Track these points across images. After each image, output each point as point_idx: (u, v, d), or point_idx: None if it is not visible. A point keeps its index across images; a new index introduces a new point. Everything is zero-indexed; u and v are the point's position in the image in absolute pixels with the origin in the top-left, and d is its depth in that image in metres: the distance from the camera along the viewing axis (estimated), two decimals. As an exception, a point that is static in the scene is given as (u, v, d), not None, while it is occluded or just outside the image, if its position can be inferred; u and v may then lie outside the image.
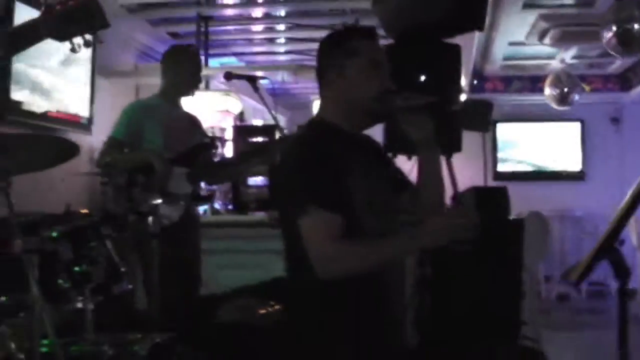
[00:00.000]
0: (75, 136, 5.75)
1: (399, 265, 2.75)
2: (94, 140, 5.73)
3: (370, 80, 2.55)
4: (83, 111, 6.05)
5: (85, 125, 6.08)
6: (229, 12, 7.54)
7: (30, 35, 1.81)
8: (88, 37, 2.00)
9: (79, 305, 3.04)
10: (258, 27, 8.12)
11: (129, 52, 7.15)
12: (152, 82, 5.31)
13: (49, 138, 3.13)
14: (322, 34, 2.91)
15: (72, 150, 2.77)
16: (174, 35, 7.81)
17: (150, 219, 3.62)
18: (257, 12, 7.55)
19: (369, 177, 2.54)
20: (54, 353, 2.93)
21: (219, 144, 5.57)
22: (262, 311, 4.91)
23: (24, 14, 4.91)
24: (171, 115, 4.59)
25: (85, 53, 5.95)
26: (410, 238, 2.40)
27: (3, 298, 2.84)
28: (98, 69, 6.10)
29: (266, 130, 6.96)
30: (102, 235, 3.25)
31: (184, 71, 4.62)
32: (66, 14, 1.87)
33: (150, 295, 3.95)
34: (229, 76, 4.65)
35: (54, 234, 3.04)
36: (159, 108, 4.54)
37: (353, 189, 2.47)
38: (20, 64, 5.14)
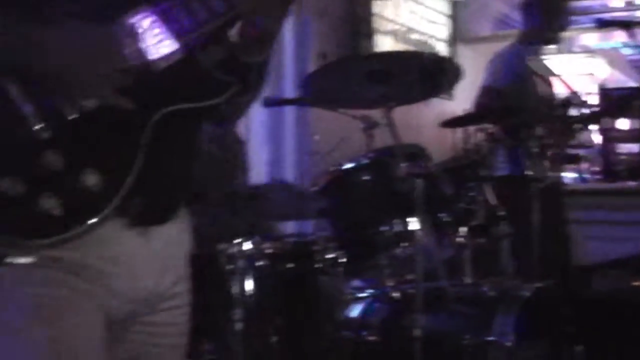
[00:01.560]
0: (438, 101, 5.75)
1: None
2: (456, 107, 5.69)
3: None
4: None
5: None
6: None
7: None
8: None
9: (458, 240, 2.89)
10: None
11: (486, 20, 7.03)
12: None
13: (429, 55, 2.99)
14: None
15: (455, 72, 2.62)
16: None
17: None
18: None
19: None
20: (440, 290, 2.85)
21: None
22: (637, 284, 4.53)
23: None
24: (536, 64, 4.34)
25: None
26: None
27: (385, 227, 2.77)
28: (458, 36, 6.08)
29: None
30: (481, 177, 3.09)
31: (545, 16, 4.33)
32: None
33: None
34: (601, 24, 4.28)
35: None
36: (526, 57, 4.30)
37: None
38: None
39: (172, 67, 1.31)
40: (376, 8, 5.44)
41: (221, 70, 1.39)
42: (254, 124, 4.57)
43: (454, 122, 3.51)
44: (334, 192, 2.96)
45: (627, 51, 8.39)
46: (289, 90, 4.63)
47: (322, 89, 2.74)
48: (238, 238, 2.83)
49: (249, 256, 2.87)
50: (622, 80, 8.27)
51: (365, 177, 2.89)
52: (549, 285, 3.05)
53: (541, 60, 4.50)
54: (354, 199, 2.95)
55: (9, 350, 1.26)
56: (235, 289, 2.79)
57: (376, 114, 3.70)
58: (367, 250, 2.90)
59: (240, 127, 3.68)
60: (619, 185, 5.82)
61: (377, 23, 5.46)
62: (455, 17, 6.21)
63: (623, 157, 6.14)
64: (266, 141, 4.74)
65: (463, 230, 2.95)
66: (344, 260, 2.92)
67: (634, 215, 5.24)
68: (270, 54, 1.51)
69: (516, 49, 4.37)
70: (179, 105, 1.32)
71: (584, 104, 5.69)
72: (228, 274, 2.85)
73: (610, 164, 6.07)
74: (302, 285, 3.11)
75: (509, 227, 3.11)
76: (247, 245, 2.85)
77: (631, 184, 5.74)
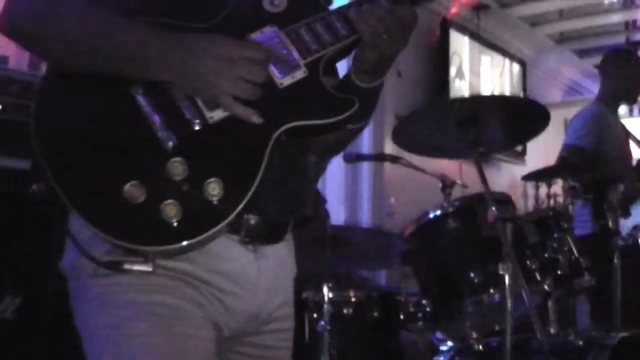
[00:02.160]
0: (509, 166, 5.79)
1: None
2: (527, 171, 5.72)
3: None
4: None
5: (519, 154, 6.32)
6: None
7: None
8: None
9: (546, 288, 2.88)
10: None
11: (556, 86, 7.07)
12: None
13: (520, 100, 3.02)
14: None
15: (545, 118, 2.64)
16: (601, 68, 7.57)
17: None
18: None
19: None
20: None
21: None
22: None
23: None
24: (615, 125, 4.35)
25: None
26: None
27: (472, 274, 2.78)
28: (528, 100, 6.16)
29: None
30: (564, 228, 3.09)
31: (624, 74, 4.35)
32: None
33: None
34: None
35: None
36: (607, 117, 4.32)
37: None
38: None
39: (297, 84, 1.37)
40: (452, 69, 5.56)
41: (340, 91, 1.42)
42: (330, 184, 4.65)
43: (537, 175, 3.53)
44: (420, 239, 2.98)
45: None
46: (366, 147, 4.71)
47: (411, 137, 2.78)
48: (323, 284, 2.87)
49: (334, 303, 2.89)
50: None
51: (453, 224, 2.89)
52: (634, 335, 3.03)
53: (617, 116, 4.52)
54: (441, 245, 2.96)
55: (122, 352, 1.30)
56: (319, 336, 2.81)
57: (453, 174, 3.76)
58: (453, 296, 2.89)
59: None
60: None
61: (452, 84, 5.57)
62: (525, 82, 6.26)
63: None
64: (342, 202, 4.81)
65: (549, 279, 2.94)
66: (428, 308, 2.94)
67: None
68: (383, 83, 1.56)
69: (598, 108, 4.39)
70: (302, 121, 1.36)
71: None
72: (313, 321, 2.88)
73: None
74: (385, 336, 3.12)
75: (592, 279, 3.09)
76: (332, 293, 2.88)
77: None
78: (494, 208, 2.57)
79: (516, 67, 6.47)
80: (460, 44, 5.86)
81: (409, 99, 5.16)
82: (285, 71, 1.37)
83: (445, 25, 5.65)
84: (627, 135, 4.51)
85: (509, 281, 2.55)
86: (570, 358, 2.82)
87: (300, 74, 1.37)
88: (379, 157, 3.92)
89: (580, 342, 2.84)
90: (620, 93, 4.39)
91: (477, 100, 2.75)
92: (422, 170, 3.67)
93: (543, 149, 4.75)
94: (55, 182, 1.24)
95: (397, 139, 2.86)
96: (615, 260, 3.38)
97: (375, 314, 3.04)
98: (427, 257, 3.01)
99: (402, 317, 3.01)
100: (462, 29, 5.99)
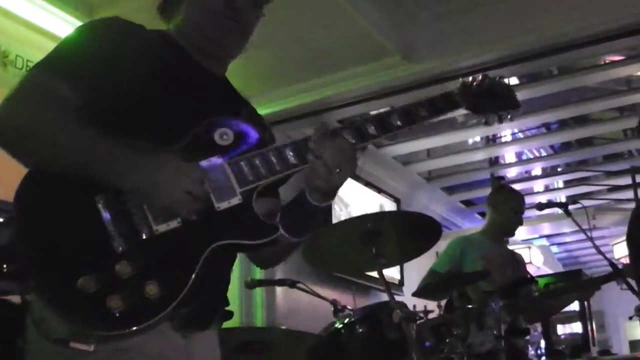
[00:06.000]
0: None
1: None
2: (404, 300, 6.06)
3: None
4: (395, 274, 6.86)
5: (397, 286, 6.85)
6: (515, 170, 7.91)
7: (445, 103, 1.96)
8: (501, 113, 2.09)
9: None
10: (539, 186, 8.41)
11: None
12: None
13: (414, 215, 3.35)
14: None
15: (437, 231, 3.01)
16: (466, 203, 8.19)
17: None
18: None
19: None
20: None
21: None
22: None
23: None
24: (492, 250, 4.78)
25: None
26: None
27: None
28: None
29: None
30: (455, 334, 3.44)
31: (505, 209, 4.86)
32: (484, 88, 2.06)
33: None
34: (541, 206, 4.82)
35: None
36: (480, 243, 4.80)
37: None
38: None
39: (232, 209, 1.64)
40: (334, 205, 5.97)
41: (269, 218, 1.71)
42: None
43: (424, 290, 3.92)
44: (330, 345, 3.25)
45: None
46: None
47: (319, 253, 3.05)
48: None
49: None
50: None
51: (360, 329, 3.18)
52: None
53: (501, 245, 5.00)
54: (349, 349, 3.23)
55: None
56: None
57: (342, 299, 4.03)
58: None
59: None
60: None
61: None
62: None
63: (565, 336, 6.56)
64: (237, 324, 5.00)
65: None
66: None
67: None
68: (330, 207, 1.85)
69: (473, 237, 4.92)
70: (232, 240, 1.64)
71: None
72: None
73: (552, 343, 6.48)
74: None
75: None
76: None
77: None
78: (398, 310, 2.90)
79: (392, 204, 6.97)
80: (340, 182, 6.33)
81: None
82: (223, 197, 1.63)
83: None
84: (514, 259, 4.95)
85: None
86: None
87: (235, 201, 1.64)
88: (279, 282, 4.17)
89: None
90: (502, 225, 4.90)
91: (379, 216, 3.07)
92: (317, 295, 3.92)
93: (417, 279, 5.11)
94: (28, 270, 1.51)
95: (307, 256, 3.14)
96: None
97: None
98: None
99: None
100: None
